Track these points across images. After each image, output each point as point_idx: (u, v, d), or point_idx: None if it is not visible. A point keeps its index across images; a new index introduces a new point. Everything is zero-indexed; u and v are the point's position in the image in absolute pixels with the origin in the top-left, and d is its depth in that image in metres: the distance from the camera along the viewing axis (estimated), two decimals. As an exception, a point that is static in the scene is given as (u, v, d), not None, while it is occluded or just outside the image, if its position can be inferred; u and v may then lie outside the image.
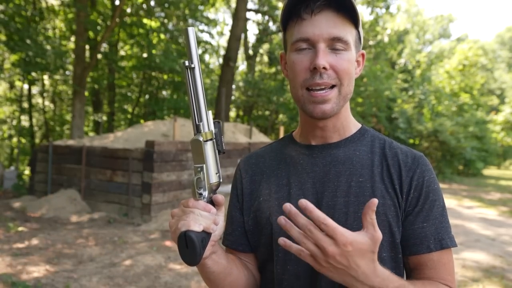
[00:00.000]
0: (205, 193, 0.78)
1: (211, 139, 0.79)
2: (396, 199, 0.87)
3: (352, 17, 0.85)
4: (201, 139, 0.77)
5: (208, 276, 0.88)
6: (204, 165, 0.78)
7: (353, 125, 0.97)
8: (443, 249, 0.87)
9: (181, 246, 0.73)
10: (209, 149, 0.78)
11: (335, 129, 0.93)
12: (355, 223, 0.85)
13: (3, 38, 10.36)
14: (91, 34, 12.13)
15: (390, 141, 0.95)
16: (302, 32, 0.84)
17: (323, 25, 0.83)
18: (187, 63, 0.77)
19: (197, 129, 0.78)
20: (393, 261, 0.88)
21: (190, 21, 14.47)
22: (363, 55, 0.94)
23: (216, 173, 0.80)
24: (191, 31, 0.76)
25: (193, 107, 0.78)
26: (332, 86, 0.85)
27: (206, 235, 0.75)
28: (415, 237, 0.87)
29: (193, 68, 0.76)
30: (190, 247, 0.72)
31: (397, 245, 0.87)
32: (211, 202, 0.80)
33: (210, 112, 0.79)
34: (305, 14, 0.84)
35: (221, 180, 0.81)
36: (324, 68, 0.82)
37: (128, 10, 13.10)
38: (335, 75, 0.84)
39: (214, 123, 0.80)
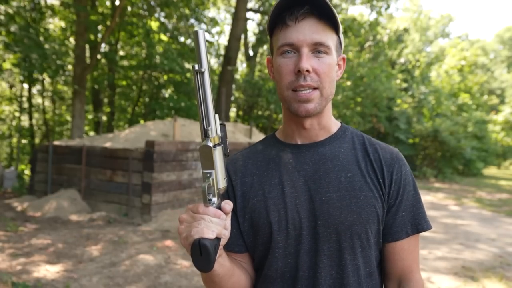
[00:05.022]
0: (214, 199, 0.78)
1: (219, 144, 0.78)
2: (381, 191, 0.96)
3: (333, 23, 0.92)
4: (210, 144, 0.76)
5: (213, 279, 0.90)
6: (214, 171, 0.77)
7: (334, 124, 1.03)
8: (418, 233, 0.98)
9: (194, 254, 0.73)
10: (217, 155, 0.78)
11: (320, 128, 0.99)
12: (349, 216, 0.92)
13: (3, 39, 10.35)
14: (91, 35, 12.12)
15: (368, 137, 1.03)
16: (287, 37, 0.91)
17: (307, 31, 0.90)
18: (196, 67, 0.74)
19: (205, 134, 0.77)
20: (376, 246, 0.97)
21: (191, 20, 14.47)
22: (343, 59, 1.01)
23: (224, 178, 0.80)
24: (201, 33, 0.74)
25: (202, 111, 0.77)
26: (315, 88, 0.91)
27: (217, 241, 0.76)
28: (396, 225, 0.97)
29: (203, 72, 0.75)
30: (205, 254, 0.72)
31: (380, 232, 0.97)
32: (219, 207, 0.80)
33: (217, 116, 0.78)
34: (289, 21, 0.91)
35: (227, 184, 0.81)
36: (307, 71, 0.89)
37: (129, 9, 13.10)
38: (317, 78, 0.91)
39: (220, 126, 0.79)
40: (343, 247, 0.92)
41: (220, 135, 0.79)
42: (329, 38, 0.92)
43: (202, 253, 0.72)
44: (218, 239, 0.76)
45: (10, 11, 9.95)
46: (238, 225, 1.00)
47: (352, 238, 0.92)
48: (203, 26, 15.45)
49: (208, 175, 0.77)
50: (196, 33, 0.74)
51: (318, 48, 0.90)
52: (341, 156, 0.97)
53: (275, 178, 0.98)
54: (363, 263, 0.94)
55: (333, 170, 0.95)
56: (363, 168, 0.96)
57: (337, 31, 0.94)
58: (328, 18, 0.90)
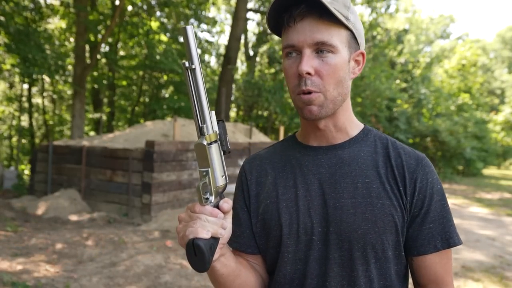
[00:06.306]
0: (211, 198, 0.76)
1: (215, 141, 0.76)
2: (401, 200, 0.89)
3: (337, 19, 0.85)
4: (205, 142, 0.74)
5: (217, 279, 0.88)
6: (210, 169, 0.76)
7: (356, 126, 0.97)
8: (449, 248, 0.90)
9: (189, 254, 0.72)
10: (214, 152, 0.76)
11: (336, 130, 0.94)
12: (363, 224, 0.87)
13: (3, 39, 10.34)
14: (91, 35, 12.12)
15: (393, 141, 0.96)
16: (289, 39, 0.87)
17: (307, 31, 0.85)
18: (187, 64, 0.73)
19: (201, 132, 0.75)
20: (396, 259, 0.90)
21: (191, 20, 14.47)
22: (363, 54, 0.93)
23: (222, 176, 0.78)
24: (189, 30, 0.72)
25: (195, 109, 0.75)
26: (317, 92, 0.87)
27: (214, 240, 0.75)
28: (422, 237, 0.89)
29: (194, 69, 0.73)
30: (199, 255, 0.71)
31: (400, 244, 0.90)
32: (218, 206, 0.79)
33: (213, 113, 0.76)
34: (289, 22, 0.87)
35: (227, 182, 0.79)
36: (308, 73, 0.85)
37: (129, 8, 13.09)
38: (320, 80, 0.86)
39: (218, 122, 0.78)
40: (355, 256, 0.88)
41: (218, 132, 0.77)
42: (334, 36, 0.85)
43: (196, 254, 0.71)
44: (215, 238, 0.75)
45: (9, 10, 9.94)
46: (251, 226, 0.98)
47: (366, 248, 0.87)
48: (203, 26, 15.45)
49: (204, 173, 0.76)
50: (184, 29, 0.72)
51: (321, 48, 0.85)
52: (360, 160, 0.92)
53: (290, 180, 0.95)
54: (378, 275, 0.89)
55: (350, 175, 0.91)
56: (383, 175, 0.90)
57: (346, 26, 0.86)
58: (331, 14, 0.84)
